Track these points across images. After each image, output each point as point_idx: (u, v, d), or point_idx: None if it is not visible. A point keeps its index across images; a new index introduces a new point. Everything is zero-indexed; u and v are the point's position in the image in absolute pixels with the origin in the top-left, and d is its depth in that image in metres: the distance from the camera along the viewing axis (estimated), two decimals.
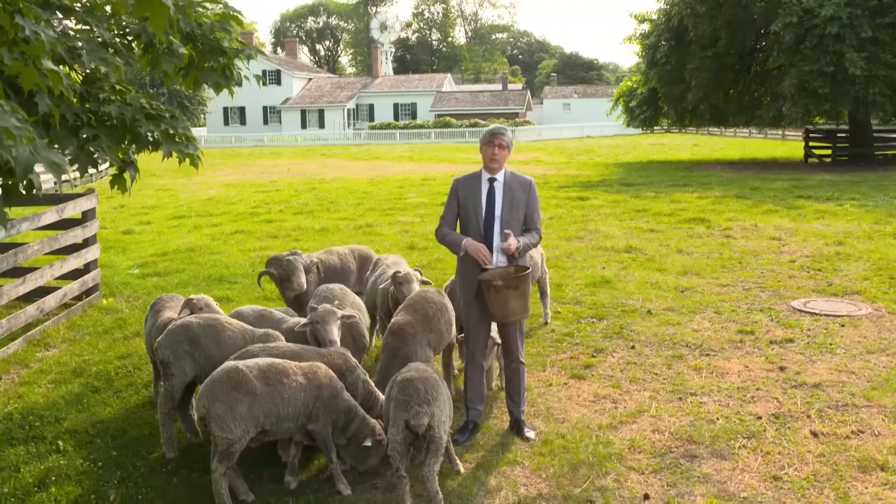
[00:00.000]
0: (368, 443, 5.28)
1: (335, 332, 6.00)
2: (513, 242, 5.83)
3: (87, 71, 4.09)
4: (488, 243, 5.98)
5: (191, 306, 6.49)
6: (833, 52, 24.85)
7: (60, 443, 6.16)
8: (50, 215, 9.10)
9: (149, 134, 3.98)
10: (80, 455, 5.96)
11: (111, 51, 4.05)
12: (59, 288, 9.52)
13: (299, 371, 5.28)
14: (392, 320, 6.53)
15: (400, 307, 6.70)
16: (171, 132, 4.10)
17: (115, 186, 4.42)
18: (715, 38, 28.57)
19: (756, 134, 54.01)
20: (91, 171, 30.76)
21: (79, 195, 9.80)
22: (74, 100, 3.83)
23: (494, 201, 6.00)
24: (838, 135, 31.05)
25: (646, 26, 33.12)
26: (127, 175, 4.33)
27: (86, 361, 8.03)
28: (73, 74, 4.11)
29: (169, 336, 5.98)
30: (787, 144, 44.69)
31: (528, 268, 5.93)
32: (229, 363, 5.25)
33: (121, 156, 4.31)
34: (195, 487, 5.41)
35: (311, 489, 5.36)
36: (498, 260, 6.00)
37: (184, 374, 5.91)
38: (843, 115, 29.29)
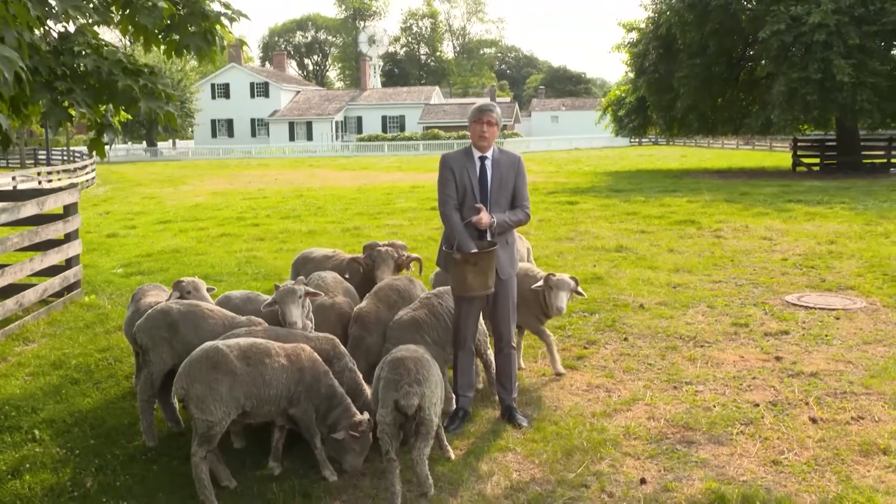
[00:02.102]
0: (339, 436, 4.95)
1: (295, 313, 5.73)
2: (484, 217, 5.69)
3: (62, 28, 3.93)
4: None
5: (179, 288, 6.28)
6: (821, 59, 24.88)
7: (37, 432, 5.95)
8: (30, 208, 8.87)
9: (127, 90, 3.80)
10: (56, 444, 5.75)
11: (90, 5, 3.88)
12: (39, 283, 9.29)
13: (282, 352, 5.09)
14: (356, 308, 6.42)
15: (367, 295, 6.57)
16: (151, 87, 3.93)
17: (94, 151, 4.24)
18: (703, 46, 28.63)
19: (743, 145, 54.29)
20: (77, 180, 30.52)
21: (60, 189, 9.60)
22: (48, 54, 3.66)
23: (487, 180, 5.85)
24: (826, 143, 31.08)
25: (634, 35, 33.20)
26: (105, 136, 4.14)
27: (65, 354, 7.82)
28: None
29: (148, 321, 5.77)
30: (775, 155, 44.88)
31: (495, 245, 5.75)
32: (209, 343, 5.05)
33: (98, 119, 4.13)
34: (175, 476, 5.21)
35: (297, 475, 5.17)
36: (490, 237, 5.84)
37: (162, 361, 5.68)
38: (832, 122, 29.33)
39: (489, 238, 5.81)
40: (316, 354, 5.26)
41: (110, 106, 4.11)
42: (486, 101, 5.99)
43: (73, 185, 9.82)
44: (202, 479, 4.81)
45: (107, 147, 70.06)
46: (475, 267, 5.56)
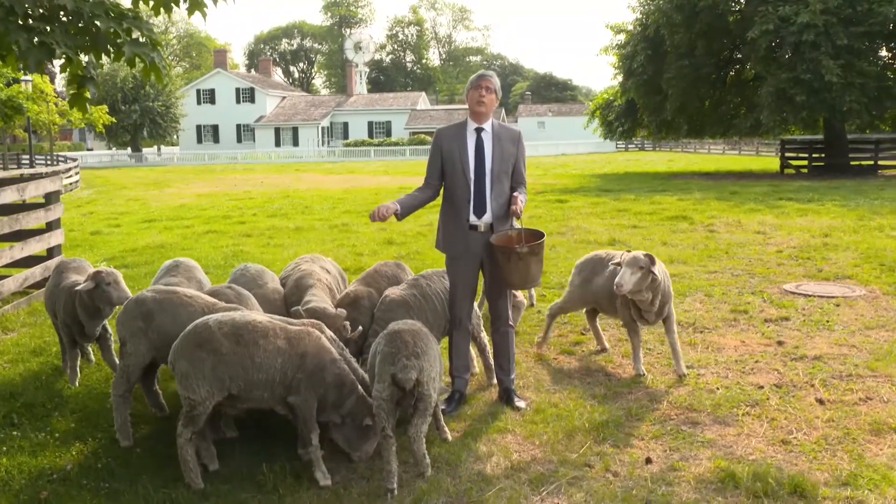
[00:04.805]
0: (370, 422, 4.67)
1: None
2: (521, 205, 5.52)
3: None
4: (480, 198, 5.59)
5: (97, 279, 5.89)
6: (810, 59, 24.84)
7: (15, 416, 5.71)
8: (9, 194, 8.57)
9: (109, 34, 3.58)
10: (36, 428, 5.50)
11: None
12: (20, 273, 9.00)
13: (282, 334, 4.70)
14: (345, 291, 6.28)
15: (356, 279, 6.43)
16: (135, 33, 3.71)
17: (75, 106, 4.02)
18: (691, 47, 28.58)
19: (730, 150, 54.38)
20: (67, 180, 30.13)
21: (41, 176, 9.33)
22: None
23: (484, 153, 5.61)
24: (814, 145, 31.02)
25: (622, 37, 33.14)
26: (87, 92, 3.92)
27: (46, 342, 7.56)
28: None
29: (125, 312, 5.38)
30: (762, 159, 45.07)
31: (543, 232, 5.61)
32: (201, 319, 4.78)
33: (80, 72, 3.91)
34: (160, 458, 4.98)
35: (287, 457, 4.93)
36: (492, 215, 5.62)
37: (139, 353, 5.26)
38: (820, 124, 29.30)
39: (513, 221, 5.69)
40: (324, 340, 4.88)
41: (91, 58, 3.90)
42: (484, 70, 5.79)
43: (55, 173, 9.53)
44: (188, 461, 4.58)
45: (90, 151, 69.02)
46: (536, 257, 5.45)
